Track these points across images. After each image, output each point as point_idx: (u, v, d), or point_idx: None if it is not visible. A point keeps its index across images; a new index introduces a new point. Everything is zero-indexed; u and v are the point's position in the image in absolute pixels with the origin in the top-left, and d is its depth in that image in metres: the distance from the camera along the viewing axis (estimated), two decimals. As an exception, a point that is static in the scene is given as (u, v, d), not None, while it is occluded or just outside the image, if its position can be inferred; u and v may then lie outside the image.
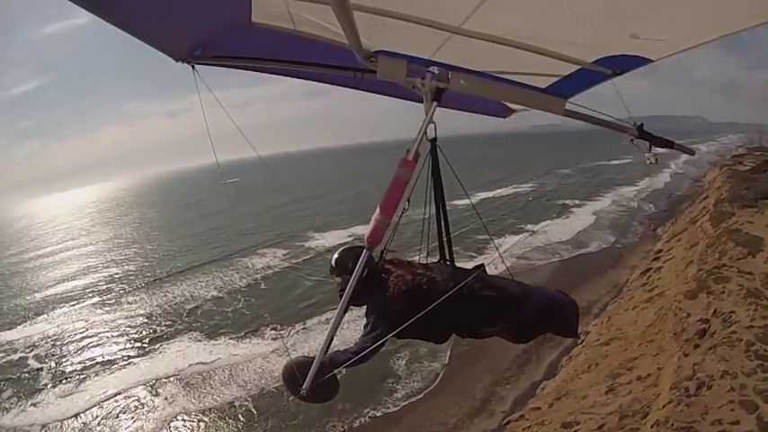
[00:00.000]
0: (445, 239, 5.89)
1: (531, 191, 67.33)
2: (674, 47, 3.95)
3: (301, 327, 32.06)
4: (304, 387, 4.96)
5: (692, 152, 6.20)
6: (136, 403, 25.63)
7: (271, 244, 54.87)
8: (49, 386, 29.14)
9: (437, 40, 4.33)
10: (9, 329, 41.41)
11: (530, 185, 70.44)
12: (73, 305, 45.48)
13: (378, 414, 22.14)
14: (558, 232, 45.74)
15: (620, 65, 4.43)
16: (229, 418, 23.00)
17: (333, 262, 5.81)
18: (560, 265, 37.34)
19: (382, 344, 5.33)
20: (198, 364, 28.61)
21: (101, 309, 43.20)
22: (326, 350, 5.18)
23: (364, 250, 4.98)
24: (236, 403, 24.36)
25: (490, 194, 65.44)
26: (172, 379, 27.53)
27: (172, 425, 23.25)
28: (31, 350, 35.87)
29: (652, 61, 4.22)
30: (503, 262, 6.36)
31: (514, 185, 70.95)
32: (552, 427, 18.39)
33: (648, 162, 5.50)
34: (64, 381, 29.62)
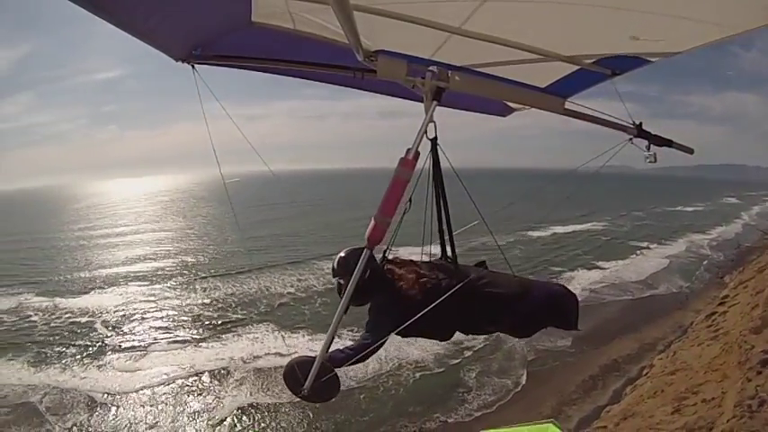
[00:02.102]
0: (447, 237, 5.46)
1: (604, 230, 64.89)
2: (672, 48, 3.92)
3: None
4: (305, 386, 4.67)
5: (690, 151, 5.66)
6: (203, 386, 24.99)
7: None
8: (115, 355, 29.13)
9: (437, 40, 4.27)
10: (78, 296, 41.99)
11: (603, 224, 68.13)
12: (145, 284, 45.39)
13: (449, 420, 21.33)
14: (630, 272, 43.71)
15: (620, 65, 4.40)
16: (299, 409, 22.19)
17: (335, 264, 5.38)
18: (630, 304, 35.75)
19: (383, 343, 5.01)
20: (274, 354, 27.58)
21: (172, 291, 42.89)
22: (327, 349, 4.80)
23: (364, 250, 4.64)
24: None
25: (564, 230, 63.81)
26: (244, 365, 26.79)
27: (241, 412, 22.48)
28: (100, 317, 36.05)
29: (651, 62, 4.20)
30: (503, 257, 5.77)
31: (588, 223, 68.70)
32: (619, 443, 17.66)
33: (648, 160, 5.24)
34: (131, 351, 29.45)
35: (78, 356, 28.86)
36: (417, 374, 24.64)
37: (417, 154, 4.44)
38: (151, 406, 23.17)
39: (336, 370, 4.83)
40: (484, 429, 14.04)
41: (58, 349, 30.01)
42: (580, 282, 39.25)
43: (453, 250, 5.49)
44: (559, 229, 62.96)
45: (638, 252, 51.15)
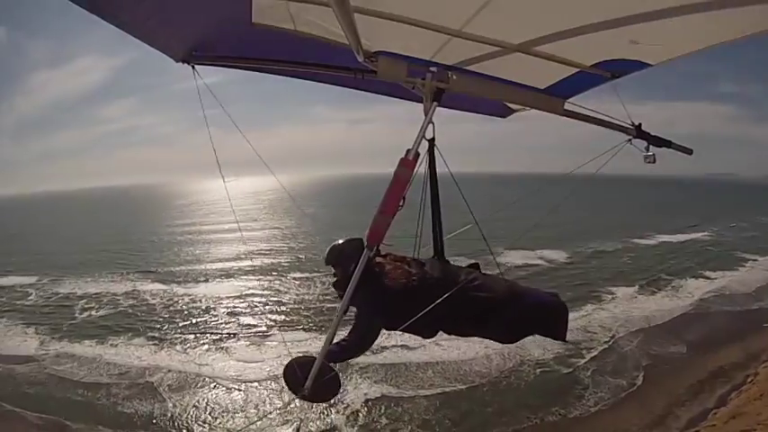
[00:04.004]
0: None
1: (709, 239, 60.18)
2: (672, 53, 3.74)
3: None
4: (306, 386, 4.55)
5: (689, 151, 5.22)
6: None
7: (456, 253, 50.54)
8: (234, 341, 29.15)
9: (437, 42, 4.00)
10: (195, 285, 42.37)
11: (707, 234, 63.17)
12: (260, 277, 44.14)
13: (568, 415, 20.87)
14: (737, 284, 40.42)
15: (619, 68, 4.15)
16: (426, 400, 21.85)
17: (327, 251, 5.22)
18: (737, 314, 33.21)
19: (375, 338, 4.90)
20: (400, 346, 26.24)
21: (290, 285, 40.75)
22: (328, 352, 4.62)
23: (365, 250, 4.45)
24: (427, 391, 22.85)
25: (670, 239, 59.65)
26: (366, 358, 24.78)
27: (370, 404, 21.86)
28: (218, 305, 36.09)
29: (650, 65, 3.98)
30: (495, 263, 5.19)
31: (693, 232, 63.95)
32: (729, 437, 18.27)
33: (647, 161, 4.91)
34: (251, 339, 29.37)
35: (197, 340, 29.49)
36: (537, 371, 24.23)
37: (417, 154, 4.26)
38: (275, 394, 23.09)
39: (336, 370, 4.69)
40: None
41: (176, 332, 30.88)
42: (689, 290, 37.37)
43: (443, 250, 5.29)
44: (666, 239, 59.33)
45: (746, 264, 47.26)
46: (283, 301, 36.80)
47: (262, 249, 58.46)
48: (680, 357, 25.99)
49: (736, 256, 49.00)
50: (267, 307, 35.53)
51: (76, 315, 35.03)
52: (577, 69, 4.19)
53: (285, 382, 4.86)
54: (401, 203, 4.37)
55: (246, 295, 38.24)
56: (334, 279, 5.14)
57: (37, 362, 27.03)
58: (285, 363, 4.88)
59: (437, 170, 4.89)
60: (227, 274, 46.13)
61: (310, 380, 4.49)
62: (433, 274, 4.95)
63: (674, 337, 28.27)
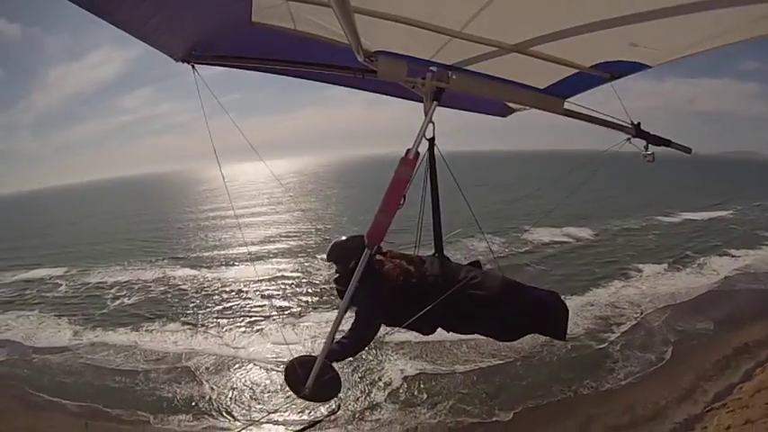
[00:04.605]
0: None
1: (732, 218, 58.70)
2: (670, 55, 3.68)
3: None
4: (307, 385, 4.51)
5: (688, 150, 5.13)
6: (367, 357, 23.78)
7: (491, 232, 48.85)
8: (269, 323, 29.34)
9: (437, 42, 3.95)
10: (224, 269, 42.43)
11: (731, 212, 61.46)
12: (290, 260, 44.23)
13: (600, 388, 21.25)
14: (761, 262, 39.60)
15: (618, 69, 4.11)
16: (463, 376, 22.05)
17: (329, 248, 5.21)
18: (761, 292, 32.66)
19: (374, 335, 4.87)
20: None
21: (321, 267, 39.81)
22: (329, 351, 4.62)
23: (365, 249, 4.36)
24: (463, 367, 22.97)
25: (693, 216, 58.53)
26: (398, 335, 25.99)
27: (410, 380, 22.06)
28: (249, 289, 36.11)
29: (650, 67, 3.94)
30: (494, 259, 5.08)
31: (717, 210, 62.26)
32: (755, 409, 18.50)
33: (646, 160, 4.81)
34: (286, 319, 29.58)
35: (231, 324, 29.61)
36: (569, 345, 24.27)
37: (417, 154, 4.20)
38: None
39: (336, 370, 4.67)
40: None
41: (210, 317, 31.08)
42: (714, 268, 36.88)
43: (442, 248, 5.23)
44: (690, 216, 58.26)
45: (769, 243, 47.69)
46: (314, 282, 36.70)
47: (289, 232, 58.36)
48: (706, 333, 26.03)
49: (760, 234, 48.19)
50: (299, 289, 35.43)
51: (108, 303, 35.49)
52: (577, 70, 4.16)
53: (286, 381, 4.83)
54: (402, 202, 4.30)
55: (277, 278, 38.12)
56: (336, 275, 5.09)
57: (72, 352, 27.44)
58: (286, 362, 4.87)
59: (437, 170, 4.85)
60: (257, 258, 46.51)
61: (311, 379, 4.46)
62: (433, 272, 4.90)
63: (700, 313, 28.28)
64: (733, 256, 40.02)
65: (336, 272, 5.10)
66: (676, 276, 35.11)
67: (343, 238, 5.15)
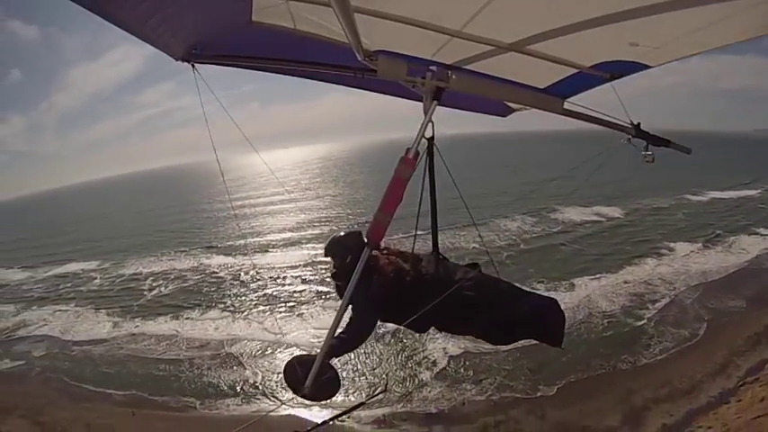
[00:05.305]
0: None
1: (761, 197, 56.34)
2: (670, 55, 3.59)
3: (567, 283, 29.95)
4: (307, 384, 4.39)
5: (688, 151, 5.14)
6: (411, 338, 23.60)
7: (522, 212, 48.32)
8: (310, 307, 29.28)
9: (437, 42, 3.85)
10: (260, 255, 42.59)
11: (759, 191, 58.89)
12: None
13: (637, 363, 21.44)
14: (792, 242, 40.46)
15: (618, 69, 3.99)
16: (505, 354, 21.84)
17: (327, 242, 5.23)
18: (791, 272, 33.85)
19: (371, 331, 4.81)
20: None
21: None
22: (327, 348, 4.49)
23: (365, 249, 4.25)
24: (505, 345, 22.78)
25: (722, 195, 56.85)
26: None
27: (455, 359, 22.11)
28: (288, 274, 35.89)
29: (650, 67, 3.85)
30: (491, 261, 4.97)
31: (745, 189, 60.12)
32: (787, 384, 19.01)
33: (646, 160, 4.82)
34: (327, 303, 29.36)
35: (271, 309, 29.65)
36: (606, 322, 24.83)
37: (417, 153, 4.09)
38: (359, 356, 22.84)
39: (336, 369, 4.63)
40: None
41: (249, 303, 31.07)
42: (743, 247, 36.21)
43: (437, 247, 5.24)
44: (718, 195, 56.80)
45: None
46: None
47: (321, 217, 58.09)
48: (738, 311, 25.83)
49: (790, 214, 47.49)
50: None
51: (145, 294, 35.64)
52: (577, 70, 4.04)
53: (285, 380, 4.75)
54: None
55: (314, 263, 37.79)
56: (333, 270, 5.06)
57: (112, 343, 27.73)
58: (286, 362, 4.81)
59: (439, 170, 4.78)
60: (290, 243, 46.27)
61: (311, 378, 4.36)
62: (429, 271, 4.92)
63: (732, 291, 27.96)
64: (762, 236, 39.17)
65: (333, 266, 5.07)
66: (707, 255, 34.64)
67: (342, 233, 5.17)
